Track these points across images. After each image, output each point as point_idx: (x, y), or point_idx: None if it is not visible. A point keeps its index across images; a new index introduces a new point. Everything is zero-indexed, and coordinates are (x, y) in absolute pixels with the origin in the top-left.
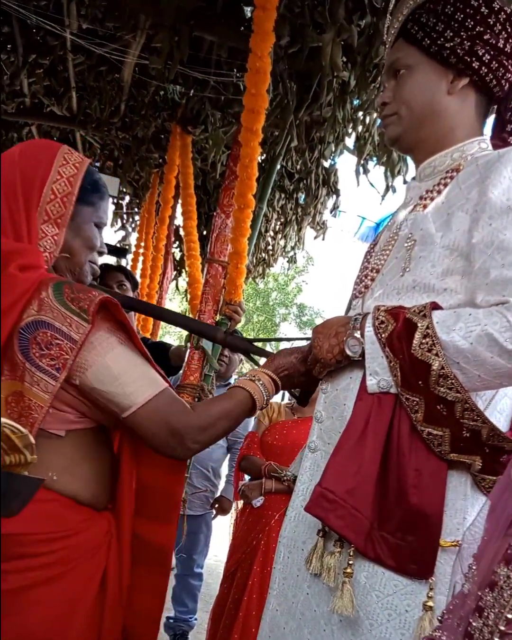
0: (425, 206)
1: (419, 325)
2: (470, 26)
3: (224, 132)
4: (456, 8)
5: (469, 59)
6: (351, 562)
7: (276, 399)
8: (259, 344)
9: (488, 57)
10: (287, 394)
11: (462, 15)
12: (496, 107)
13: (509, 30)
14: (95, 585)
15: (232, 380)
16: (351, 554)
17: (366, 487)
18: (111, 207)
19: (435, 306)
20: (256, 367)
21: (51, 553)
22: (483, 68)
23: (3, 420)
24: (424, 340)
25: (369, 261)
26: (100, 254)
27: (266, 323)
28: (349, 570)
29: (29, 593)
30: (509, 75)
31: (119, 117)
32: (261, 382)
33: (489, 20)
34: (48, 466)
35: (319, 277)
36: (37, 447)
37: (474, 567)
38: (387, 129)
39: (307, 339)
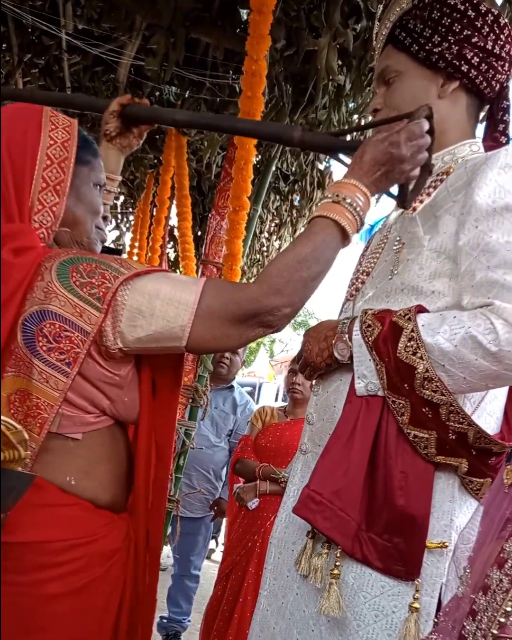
0: (414, 209)
1: (404, 328)
2: (457, 30)
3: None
4: (443, 13)
5: (458, 63)
6: (338, 564)
7: (270, 402)
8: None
9: (477, 60)
10: (280, 397)
11: (449, 20)
12: (487, 108)
13: (496, 31)
14: (116, 598)
15: (234, 383)
16: (338, 555)
17: (354, 488)
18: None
19: (420, 309)
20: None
21: (73, 561)
22: (472, 71)
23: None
24: (409, 343)
25: (361, 264)
26: (104, 218)
27: None
28: (336, 571)
29: (52, 606)
30: (499, 76)
31: None
32: (348, 200)
33: (476, 23)
34: (65, 471)
35: None
36: (52, 451)
37: (468, 570)
38: None
39: (403, 117)
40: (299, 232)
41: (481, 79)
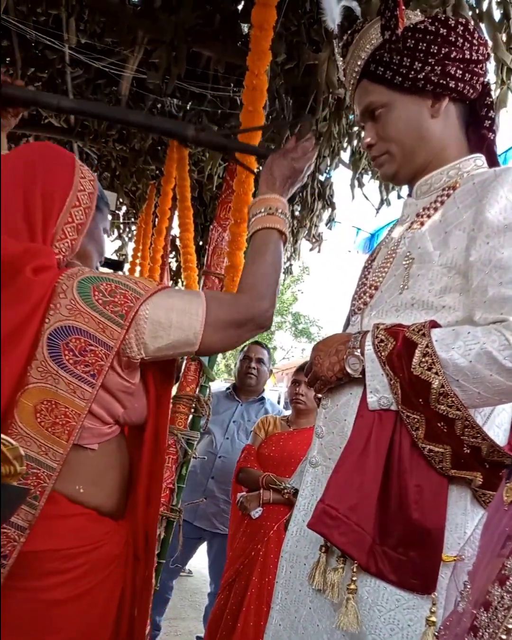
0: (422, 224)
1: (418, 343)
2: (435, 51)
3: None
4: (417, 39)
5: (445, 82)
6: (354, 578)
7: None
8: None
9: (460, 72)
10: (282, 404)
11: (425, 44)
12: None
13: (469, 39)
14: (115, 601)
15: (265, 395)
16: (354, 569)
17: (368, 503)
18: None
19: (434, 324)
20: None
21: (78, 567)
22: (459, 84)
23: None
24: (423, 359)
25: (368, 277)
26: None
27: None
28: (352, 586)
29: (56, 611)
30: (481, 78)
31: (117, 129)
32: (279, 211)
33: (450, 38)
34: (76, 480)
35: (314, 286)
36: (69, 461)
37: (468, 585)
38: (382, 169)
39: (286, 123)
40: (252, 244)
41: (468, 87)
